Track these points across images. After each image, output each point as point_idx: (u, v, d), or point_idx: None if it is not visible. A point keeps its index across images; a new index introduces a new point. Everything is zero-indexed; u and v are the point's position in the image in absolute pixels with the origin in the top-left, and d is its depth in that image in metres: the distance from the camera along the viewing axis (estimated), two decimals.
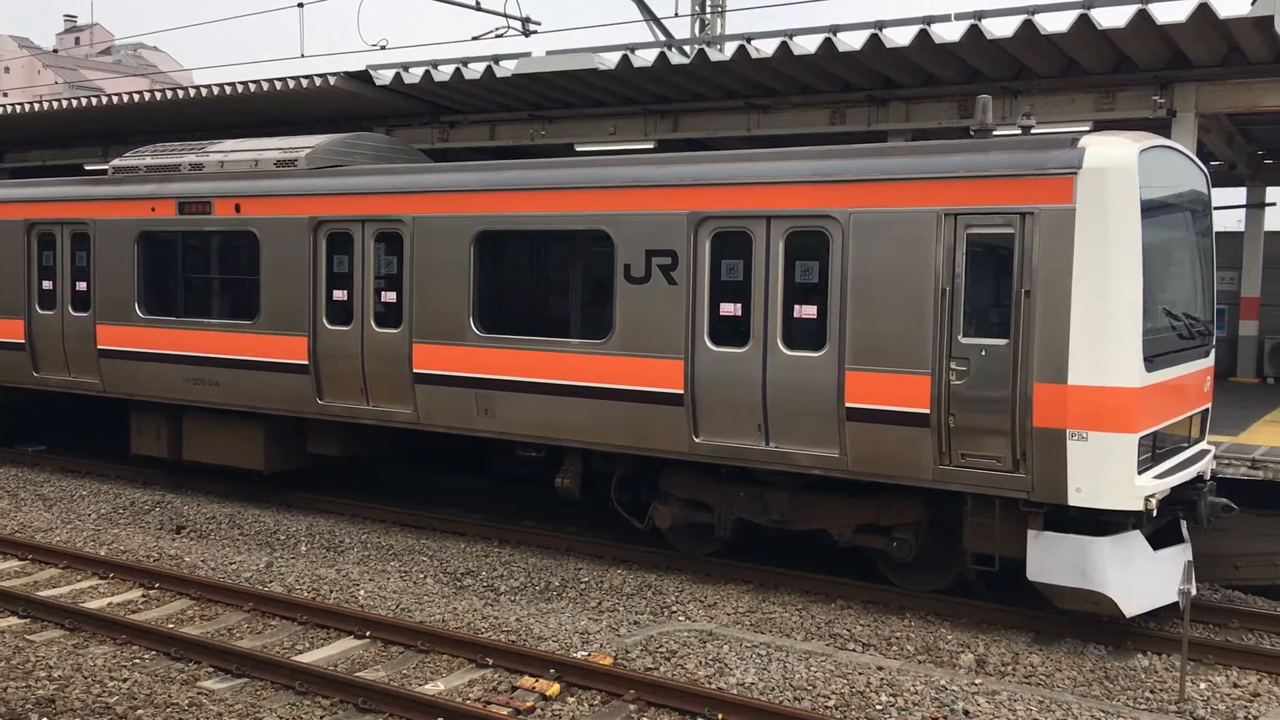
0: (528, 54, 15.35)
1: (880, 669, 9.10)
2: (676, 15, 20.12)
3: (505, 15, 18.11)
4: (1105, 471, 9.19)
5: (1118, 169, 9.13)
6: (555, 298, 12.17)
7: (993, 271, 9.62)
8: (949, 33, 12.35)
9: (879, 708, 8.38)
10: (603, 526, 13.51)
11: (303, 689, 8.74)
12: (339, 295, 13.15)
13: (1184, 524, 10.18)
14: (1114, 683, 9.04)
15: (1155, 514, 9.33)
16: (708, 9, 21.01)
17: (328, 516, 14.22)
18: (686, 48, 14.90)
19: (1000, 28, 12.00)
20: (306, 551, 12.88)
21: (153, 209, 14.59)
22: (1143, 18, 11.07)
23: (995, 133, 10.35)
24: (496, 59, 15.39)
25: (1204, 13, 10.77)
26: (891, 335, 9.89)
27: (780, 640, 9.85)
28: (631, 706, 8.45)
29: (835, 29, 12.92)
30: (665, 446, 11.13)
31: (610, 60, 14.58)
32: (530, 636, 9.90)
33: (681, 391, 10.93)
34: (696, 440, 10.95)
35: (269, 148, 14.32)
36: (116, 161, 15.71)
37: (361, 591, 11.25)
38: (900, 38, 12.60)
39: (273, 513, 14.37)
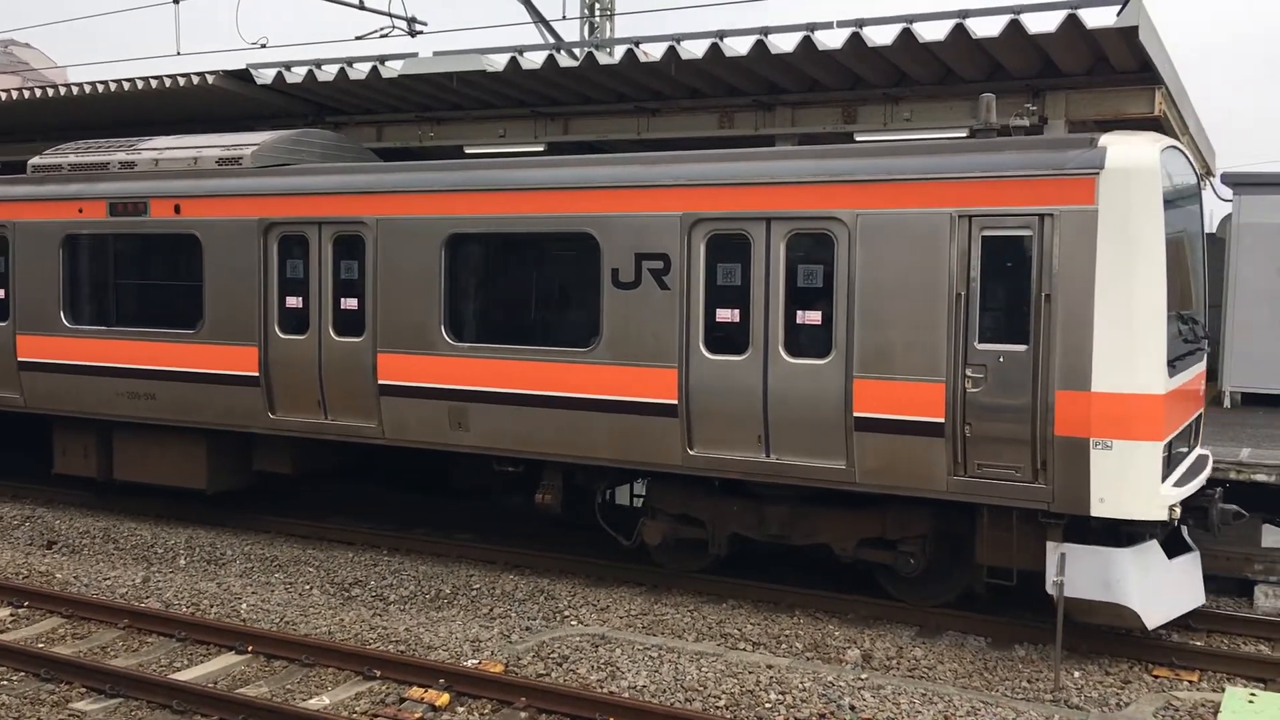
0: (414, 54, 15.12)
1: (770, 667, 9.20)
2: (565, 18, 20.08)
3: (390, 15, 17.82)
4: (1131, 481, 8.97)
5: (1142, 169, 8.95)
6: (535, 304, 11.60)
7: (1010, 275, 9.37)
8: (832, 40, 12.55)
9: (768, 706, 8.47)
10: (495, 531, 13.40)
11: (180, 708, 8.47)
12: (293, 302, 12.43)
13: (1184, 530, 10.15)
14: (993, 673, 9.31)
15: (1176, 523, 9.20)
16: (597, 12, 21.02)
17: (209, 528, 13.81)
18: (576, 50, 14.86)
19: (881, 36, 12.23)
20: (186, 565, 12.49)
21: (80, 210, 13.65)
22: (1015, 28, 11.39)
23: (889, 138, 10.44)
24: (382, 59, 15.12)
25: (1072, 23, 11.13)
26: (903, 341, 9.57)
27: (672, 642, 9.89)
28: (523, 714, 8.39)
29: (722, 34, 13.01)
30: (656, 460, 10.63)
31: (498, 62, 14.45)
32: (420, 646, 9.75)
33: (675, 402, 10.42)
34: (691, 453, 10.44)
35: (209, 145, 13.57)
36: (36, 160, 14.87)
37: (244, 605, 10.94)
38: (785, 44, 12.77)
39: (150, 526, 13.89)
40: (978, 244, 9.33)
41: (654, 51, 13.57)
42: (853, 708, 8.41)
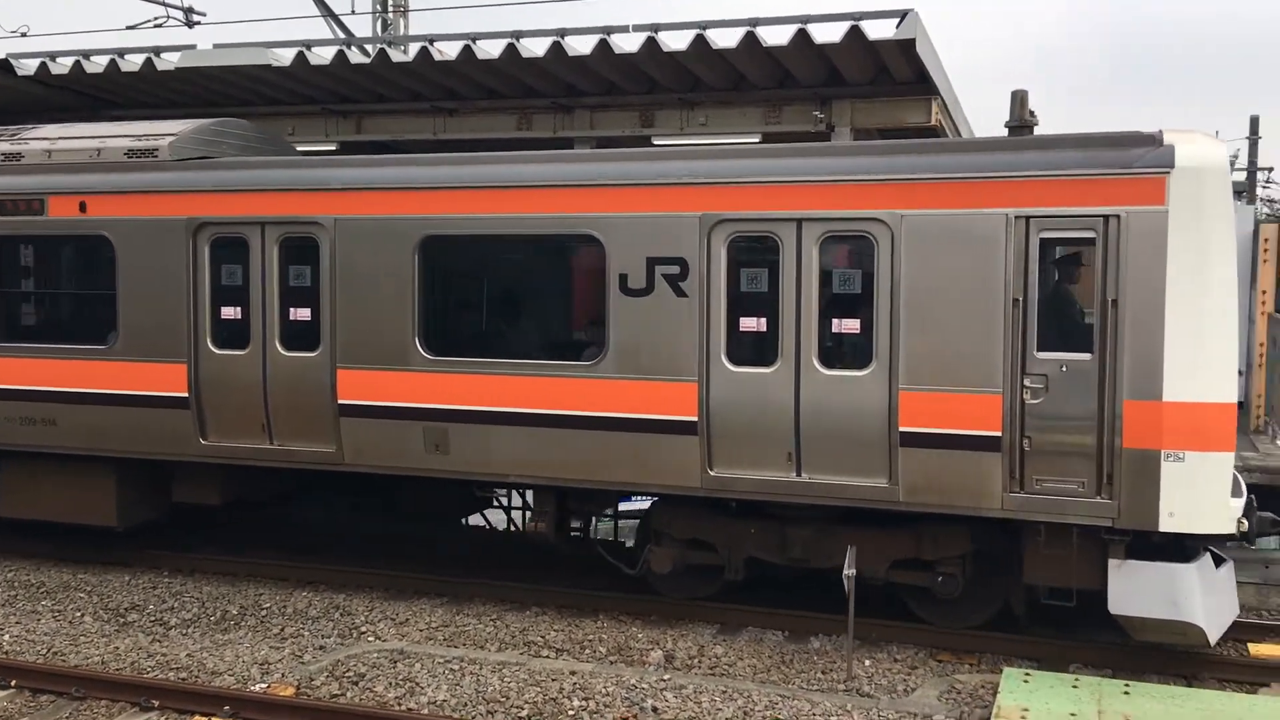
0: (192, 46, 14.32)
1: (573, 674, 9.12)
2: (354, 12, 19.46)
3: (165, 4, 16.83)
4: (1203, 494, 8.59)
5: (1213, 169, 8.53)
6: (527, 314, 10.59)
7: (1072, 279, 9.01)
8: (628, 44, 12.62)
9: (571, 713, 8.38)
10: (291, 546, 12.82)
11: None
12: (229, 313, 11.00)
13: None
14: (790, 667, 9.51)
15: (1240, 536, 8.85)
16: (390, 8, 20.49)
17: None
18: (368, 47, 14.42)
19: (675, 41, 12.38)
20: None
21: None
22: (802, 37, 11.72)
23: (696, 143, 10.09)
24: (158, 50, 14.27)
25: (855, 34, 11.54)
26: (954, 351, 8.98)
27: (474, 653, 9.67)
28: None
29: (519, 34, 12.89)
30: (672, 481, 9.78)
31: (285, 57, 13.87)
32: (204, 672, 9.20)
33: (695, 419, 9.61)
34: (712, 473, 9.66)
35: (113, 134, 12.07)
36: None
37: (6, 636, 10.08)
38: (582, 46, 12.75)
39: None
40: (1036, 247, 8.85)
41: (449, 50, 13.32)
42: (655, 709, 8.42)
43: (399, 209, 10.49)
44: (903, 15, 11.45)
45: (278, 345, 10.92)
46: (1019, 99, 10.03)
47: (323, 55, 13.69)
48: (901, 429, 9.16)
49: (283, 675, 9.10)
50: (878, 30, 11.51)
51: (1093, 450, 8.80)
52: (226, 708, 8.30)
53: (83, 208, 11.53)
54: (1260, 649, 9.97)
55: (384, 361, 10.55)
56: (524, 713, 8.42)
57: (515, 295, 10.69)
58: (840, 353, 9.42)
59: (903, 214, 9.11)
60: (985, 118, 50.18)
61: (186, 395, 11.16)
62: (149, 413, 11.29)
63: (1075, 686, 8.37)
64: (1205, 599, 8.89)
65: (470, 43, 13.00)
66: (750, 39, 11.95)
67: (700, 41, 12.15)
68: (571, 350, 10.25)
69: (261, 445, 11.06)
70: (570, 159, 10.42)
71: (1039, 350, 8.90)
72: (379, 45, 13.96)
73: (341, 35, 19.06)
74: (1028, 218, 8.86)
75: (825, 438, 9.40)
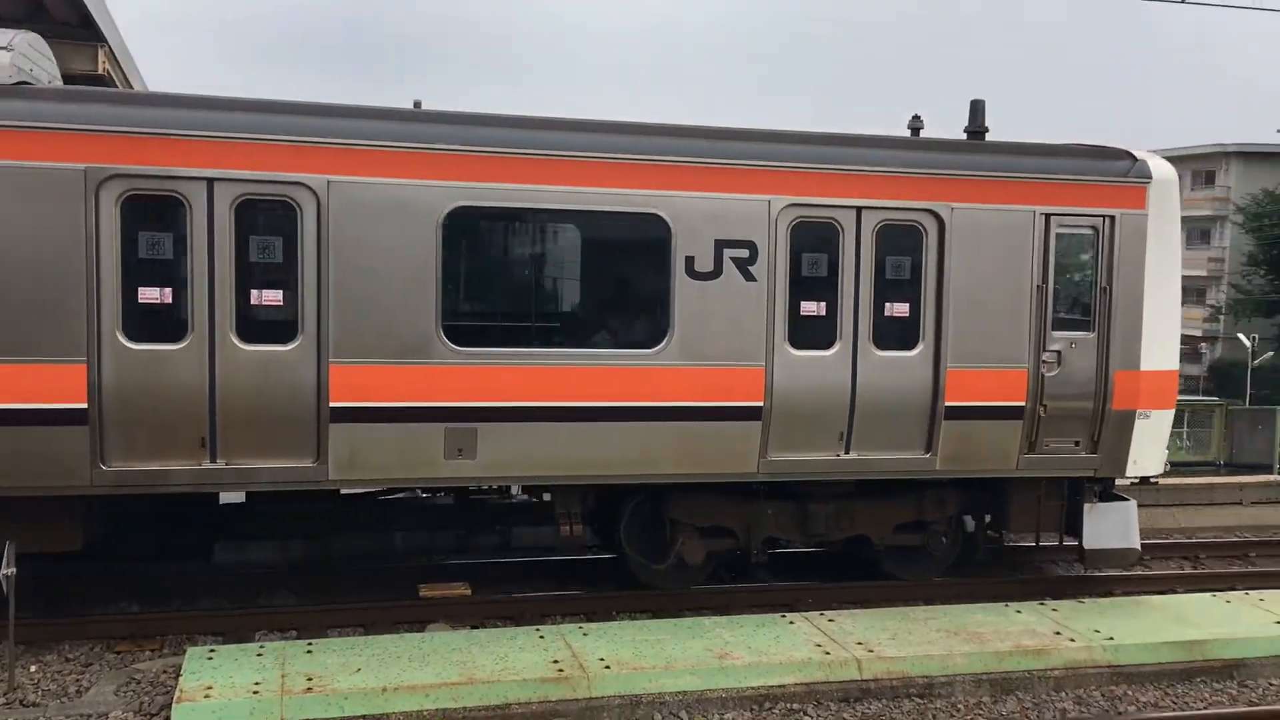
0: None
1: None
2: None
3: None
4: (1156, 444, 10.52)
5: (1173, 182, 10.51)
6: (577, 298, 9.71)
7: (1078, 269, 10.34)
8: None
9: None
10: None
11: None
12: (150, 295, 8.46)
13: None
14: None
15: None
16: None
17: None
18: None
19: None
20: None
21: None
22: None
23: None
24: None
25: None
26: (992, 331, 9.99)
27: None
28: None
29: None
30: (729, 469, 9.67)
31: None
32: None
33: (760, 404, 9.53)
34: (768, 458, 9.69)
35: None
36: None
37: None
38: None
39: None
40: (1053, 241, 10.17)
41: None
42: None
43: (420, 174, 8.87)
44: None
45: (232, 337, 8.64)
46: (978, 108, 11.21)
47: None
48: (947, 403, 10.04)
49: None
50: None
51: (1089, 413, 10.39)
52: None
53: None
54: (429, 591, 10.28)
55: (398, 354, 8.93)
56: None
57: (563, 277, 9.72)
58: (891, 335, 10.01)
59: (953, 206, 9.95)
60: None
61: (84, 406, 8.35)
62: (14, 432, 8.25)
63: (260, 655, 8.26)
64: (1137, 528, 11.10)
65: None
66: None
67: None
68: (628, 337, 9.56)
69: (198, 466, 8.68)
70: (631, 130, 9.63)
71: (1054, 330, 10.29)
72: None
73: None
74: (1049, 215, 10.20)
75: (876, 416, 9.96)
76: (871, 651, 8.67)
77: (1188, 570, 12.61)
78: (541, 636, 8.80)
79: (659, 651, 8.53)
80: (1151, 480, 11.28)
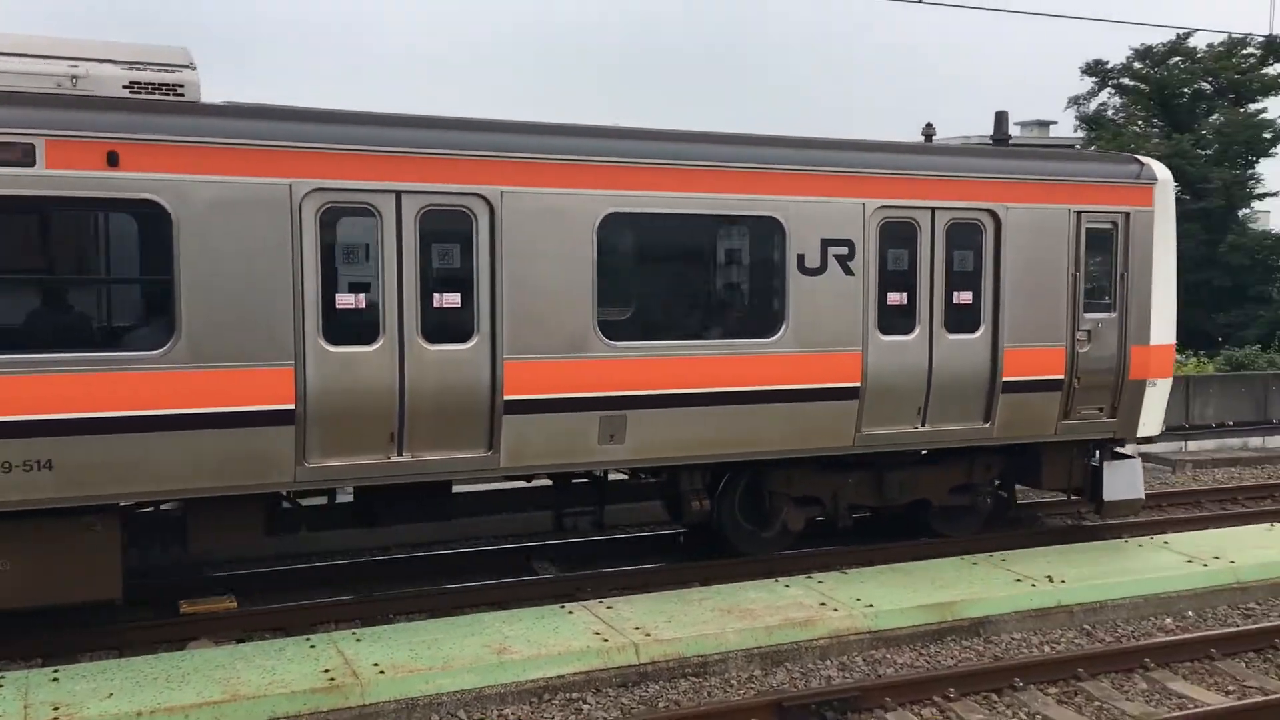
0: None
1: None
2: None
3: None
4: (1159, 408, 12.37)
5: (1170, 182, 12.32)
6: (707, 293, 10.92)
7: (1102, 259, 12.05)
8: None
9: None
10: None
11: None
12: (346, 301, 9.10)
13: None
14: None
15: None
16: None
17: None
18: None
19: None
20: None
21: None
22: None
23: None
24: None
25: None
26: (1038, 315, 11.59)
27: None
28: None
29: None
30: (830, 444, 10.98)
31: None
32: None
33: (858, 384, 10.86)
34: (862, 433, 11.00)
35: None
36: None
37: None
38: None
39: None
40: (1083, 234, 11.85)
41: None
42: None
43: (578, 183, 9.75)
44: None
45: (419, 339, 9.30)
46: (1002, 119, 12.78)
47: None
48: (1004, 379, 11.55)
49: None
50: None
51: (1111, 383, 12.12)
52: None
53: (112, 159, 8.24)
54: (190, 607, 10.05)
55: (560, 350, 9.78)
56: None
57: (698, 275, 10.78)
58: (959, 320, 11.41)
59: (1008, 206, 11.52)
60: None
61: (292, 407, 8.87)
62: (226, 435, 8.70)
63: (1, 685, 7.90)
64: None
65: None
66: None
67: None
68: (750, 327, 10.71)
69: (385, 459, 9.32)
70: (751, 141, 10.79)
71: (1085, 312, 11.99)
72: None
73: None
74: (1080, 212, 11.90)
75: (947, 392, 11.34)
76: (649, 635, 8.89)
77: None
78: (312, 646, 8.68)
79: (436, 652, 8.52)
80: (1152, 439, 13.12)
